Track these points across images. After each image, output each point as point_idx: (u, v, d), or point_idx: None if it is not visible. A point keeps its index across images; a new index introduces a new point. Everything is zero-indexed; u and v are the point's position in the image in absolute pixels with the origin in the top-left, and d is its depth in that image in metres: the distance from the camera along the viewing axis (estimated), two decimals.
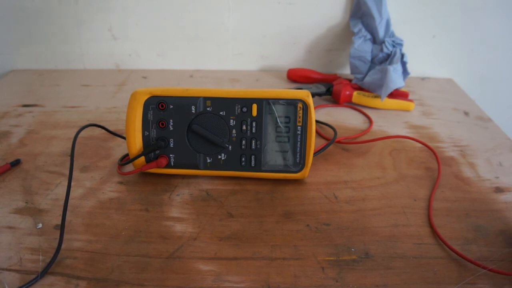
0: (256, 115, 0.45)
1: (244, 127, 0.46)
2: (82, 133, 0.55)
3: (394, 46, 0.69)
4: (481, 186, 0.49)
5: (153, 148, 0.46)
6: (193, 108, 0.45)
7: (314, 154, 0.48)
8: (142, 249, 0.39)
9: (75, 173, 0.49)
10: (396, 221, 0.43)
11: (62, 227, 0.39)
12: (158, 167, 0.46)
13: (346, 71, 0.81)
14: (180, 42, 0.79)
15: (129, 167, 0.50)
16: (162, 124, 0.46)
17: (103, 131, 0.52)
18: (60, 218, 0.42)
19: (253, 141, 0.46)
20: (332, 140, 0.52)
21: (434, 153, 0.54)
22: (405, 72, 0.68)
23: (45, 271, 0.36)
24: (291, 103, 0.45)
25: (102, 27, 0.77)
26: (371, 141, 0.57)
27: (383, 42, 0.69)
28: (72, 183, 0.43)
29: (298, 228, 0.42)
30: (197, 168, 0.47)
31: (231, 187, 0.47)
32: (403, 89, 0.70)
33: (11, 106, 0.66)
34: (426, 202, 0.46)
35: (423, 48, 0.78)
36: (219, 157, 0.47)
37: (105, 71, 0.80)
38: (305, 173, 0.47)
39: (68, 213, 0.41)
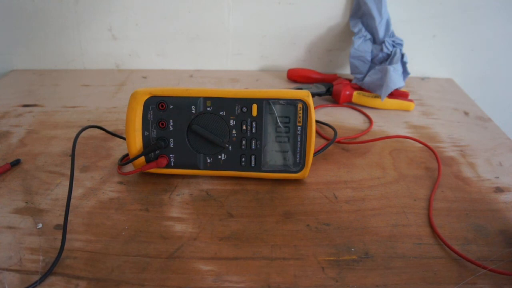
0: (256, 115, 0.45)
1: (244, 127, 0.46)
2: (82, 133, 0.55)
3: (394, 46, 0.69)
4: (481, 186, 0.49)
5: (153, 148, 0.46)
6: (193, 108, 0.45)
7: (314, 154, 0.48)
8: (142, 249, 0.39)
9: (75, 173, 0.49)
10: (396, 221, 0.43)
11: (64, 228, 0.39)
12: (158, 167, 0.46)
13: (346, 71, 0.81)
14: (180, 42, 0.79)
15: (129, 167, 0.50)
16: (162, 124, 0.46)
17: (103, 131, 0.52)
18: (60, 218, 0.42)
19: (253, 141, 0.46)
20: (332, 140, 0.52)
21: (434, 153, 0.54)
22: (405, 72, 0.68)
23: (48, 273, 0.36)
24: (291, 103, 0.45)
25: (102, 27, 0.77)
26: (371, 141, 0.57)
27: (383, 42, 0.69)
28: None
29: (298, 228, 0.42)
30: (197, 168, 0.47)
31: (231, 187, 0.47)
32: (403, 89, 0.70)
33: (11, 106, 0.66)
34: (426, 202, 0.46)
35: (423, 48, 0.78)
36: (219, 157, 0.47)
37: (105, 71, 0.80)
38: (305, 173, 0.47)
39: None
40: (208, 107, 0.45)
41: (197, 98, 0.45)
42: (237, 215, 0.43)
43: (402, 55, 0.68)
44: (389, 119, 0.64)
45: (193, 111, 0.45)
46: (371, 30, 0.71)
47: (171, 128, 0.46)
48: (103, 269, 0.37)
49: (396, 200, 0.46)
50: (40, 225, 0.41)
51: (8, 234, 0.40)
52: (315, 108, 0.59)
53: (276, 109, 0.45)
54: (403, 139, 0.58)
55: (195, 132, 0.46)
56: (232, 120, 0.45)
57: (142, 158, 0.47)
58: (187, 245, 0.39)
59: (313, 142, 0.46)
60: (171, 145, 0.46)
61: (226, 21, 0.77)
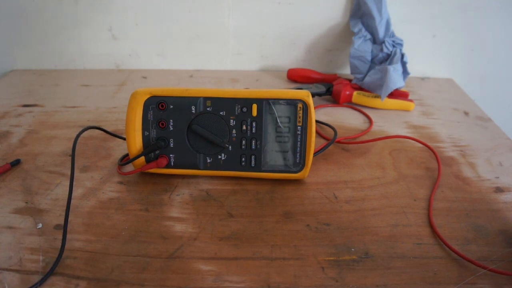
0: (256, 115, 0.45)
1: (244, 127, 0.46)
2: (82, 133, 0.55)
3: (394, 46, 0.69)
4: (481, 186, 0.49)
5: (153, 148, 0.46)
6: (193, 108, 0.45)
7: (314, 154, 0.48)
8: (142, 249, 0.39)
9: (75, 173, 0.48)
10: (396, 221, 0.43)
11: (64, 228, 0.39)
12: (158, 167, 0.46)
13: (346, 71, 0.81)
14: (180, 42, 0.79)
15: (129, 167, 0.50)
16: (162, 124, 0.46)
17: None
18: (60, 218, 0.42)
19: (253, 141, 0.46)
20: (332, 140, 0.52)
21: (434, 153, 0.54)
22: (405, 72, 0.68)
23: (49, 273, 0.36)
24: (291, 103, 0.45)
25: (102, 27, 0.77)
26: (371, 141, 0.57)
27: (383, 42, 0.69)
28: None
29: (298, 228, 0.42)
30: (197, 168, 0.47)
31: (231, 187, 0.47)
32: (403, 89, 0.70)
33: (11, 106, 0.66)
34: (426, 202, 0.46)
35: (423, 48, 0.78)
36: (219, 157, 0.47)
37: (105, 71, 0.80)
38: (305, 173, 0.47)
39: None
40: (208, 107, 0.45)
41: (197, 98, 0.45)
42: (237, 215, 0.43)
43: (402, 55, 0.68)
44: (389, 119, 0.64)
45: (193, 111, 0.45)
46: (371, 30, 0.71)
47: (171, 128, 0.46)
48: (103, 269, 0.37)
49: (396, 200, 0.46)
50: (40, 225, 0.41)
51: (8, 234, 0.40)
52: (315, 108, 0.59)
53: (276, 109, 0.45)
54: (403, 139, 0.58)
55: (195, 132, 0.46)
56: (232, 120, 0.45)
57: (142, 158, 0.47)
58: (187, 245, 0.39)
59: (313, 142, 0.46)
60: (171, 145, 0.46)
61: (226, 21, 0.77)
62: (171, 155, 0.47)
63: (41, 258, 0.37)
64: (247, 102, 0.45)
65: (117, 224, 0.42)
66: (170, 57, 0.80)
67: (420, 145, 0.56)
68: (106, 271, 0.36)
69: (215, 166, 0.47)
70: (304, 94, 0.45)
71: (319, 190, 0.47)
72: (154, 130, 0.46)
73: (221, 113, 0.45)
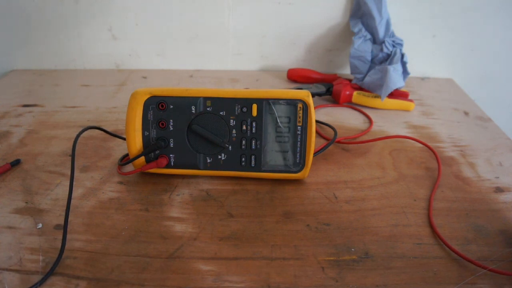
0: (256, 115, 0.45)
1: (244, 127, 0.46)
2: (82, 133, 0.55)
3: (394, 46, 0.69)
4: (481, 186, 0.49)
5: (153, 148, 0.46)
6: (193, 108, 0.45)
7: (314, 154, 0.48)
8: (142, 249, 0.39)
9: (75, 173, 0.48)
10: (396, 221, 0.43)
11: (64, 228, 0.39)
12: (158, 167, 0.46)
13: (346, 71, 0.81)
14: (180, 42, 0.79)
15: (129, 167, 0.50)
16: (162, 124, 0.46)
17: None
18: (60, 218, 0.42)
19: (253, 141, 0.46)
20: (332, 140, 0.52)
21: (434, 153, 0.54)
22: (405, 72, 0.68)
23: (49, 273, 0.36)
24: (291, 103, 0.45)
25: (102, 27, 0.77)
26: (371, 141, 0.57)
27: (383, 42, 0.69)
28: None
29: (298, 228, 0.42)
30: (197, 168, 0.47)
31: (231, 187, 0.47)
32: (403, 89, 0.70)
33: (11, 106, 0.66)
34: (426, 202, 0.46)
35: (423, 48, 0.78)
36: (219, 157, 0.47)
37: (105, 71, 0.80)
38: (305, 173, 0.47)
39: None
40: (208, 107, 0.45)
41: (197, 98, 0.45)
42: (237, 215, 0.43)
43: (402, 55, 0.68)
44: (389, 119, 0.64)
45: (193, 111, 0.45)
46: (371, 30, 0.71)
47: (171, 128, 0.46)
48: (103, 269, 0.37)
49: (396, 200, 0.46)
50: (40, 225, 0.41)
51: (8, 234, 0.40)
52: (315, 108, 0.59)
53: (276, 109, 0.45)
54: (403, 139, 0.58)
55: (195, 132, 0.46)
56: (232, 120, 0.45)
57: (142, 158, 0.47)
58: (187, 245, 0.39)
59: (313, 142, 0.46)
60: (171, 145, 0.46)
61: (226, 21, 0.77)
62: (171, 155, 0.47)
63: (41, 258, 0.37)
64: (247, 102, 0.45)
65: (117, 224, 0.42)
66: (170, 57, 0.80)
67: (420, 145, 0.56)
68: (106, 271, 0.36)
69: (215, 166, 0.47)
70: (304, 94, 0.45)
71: (319, 190, 0.47)
72: (154, 130, 0.46)
73: (221, 113, 0.45)
